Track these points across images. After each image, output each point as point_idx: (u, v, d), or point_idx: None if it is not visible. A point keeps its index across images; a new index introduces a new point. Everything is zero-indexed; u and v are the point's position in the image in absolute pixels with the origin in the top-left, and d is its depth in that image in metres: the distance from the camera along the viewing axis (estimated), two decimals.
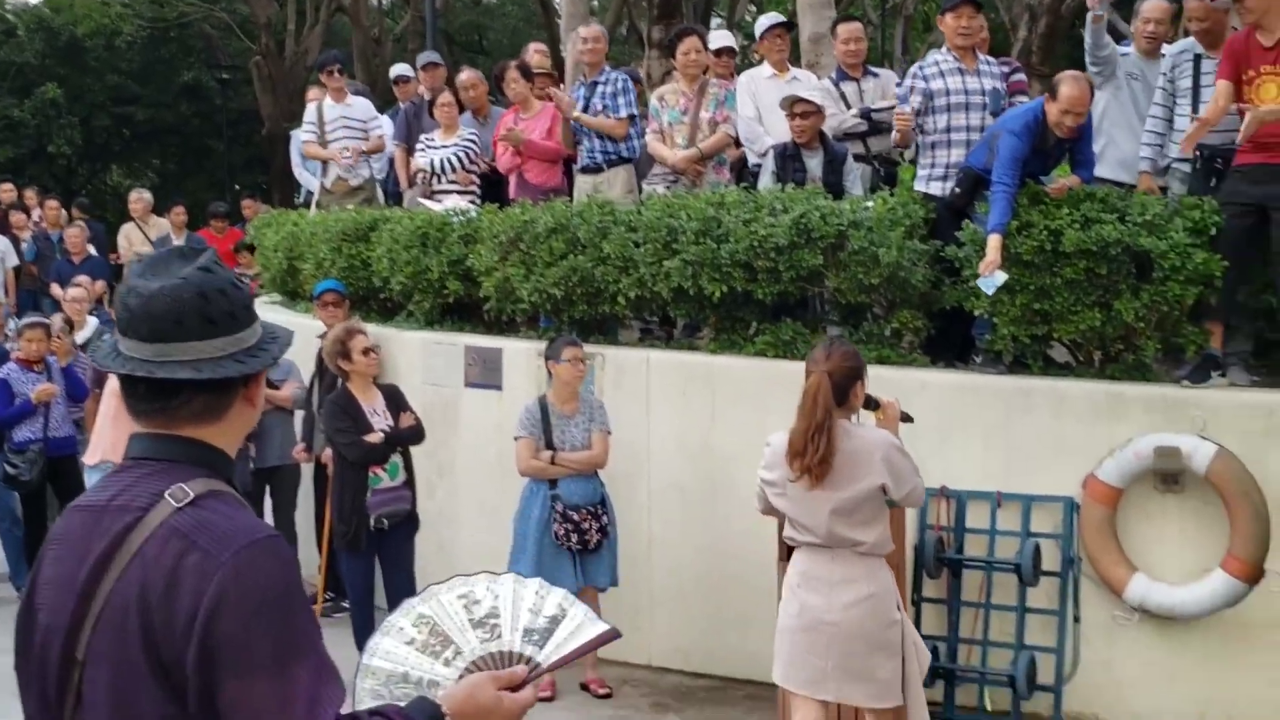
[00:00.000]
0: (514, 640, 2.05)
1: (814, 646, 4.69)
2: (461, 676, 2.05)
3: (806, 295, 7.51)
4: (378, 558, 7.04)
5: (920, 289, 7.04)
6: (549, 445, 6.74)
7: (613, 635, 2.13)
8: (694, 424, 7.37)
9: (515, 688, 2.04)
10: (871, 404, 5.07)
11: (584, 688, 6.98)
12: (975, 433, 6.65)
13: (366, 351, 6.97)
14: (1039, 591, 6.52)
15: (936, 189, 7.26)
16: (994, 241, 6.49)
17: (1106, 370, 6.78)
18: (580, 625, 2.10)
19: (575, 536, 6.68)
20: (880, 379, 6.67)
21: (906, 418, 5.30)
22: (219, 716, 1.90)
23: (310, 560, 8.91)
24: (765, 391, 7.15)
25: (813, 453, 4.58)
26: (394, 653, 2.03)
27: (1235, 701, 6.33)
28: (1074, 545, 6.44)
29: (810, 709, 4.78)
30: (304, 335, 9.16)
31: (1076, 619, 6.47)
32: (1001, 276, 6.33)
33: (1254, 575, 6.17)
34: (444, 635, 2.05)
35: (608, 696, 6.88)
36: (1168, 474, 6.33)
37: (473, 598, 2.09)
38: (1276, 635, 6.27)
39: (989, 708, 6.37)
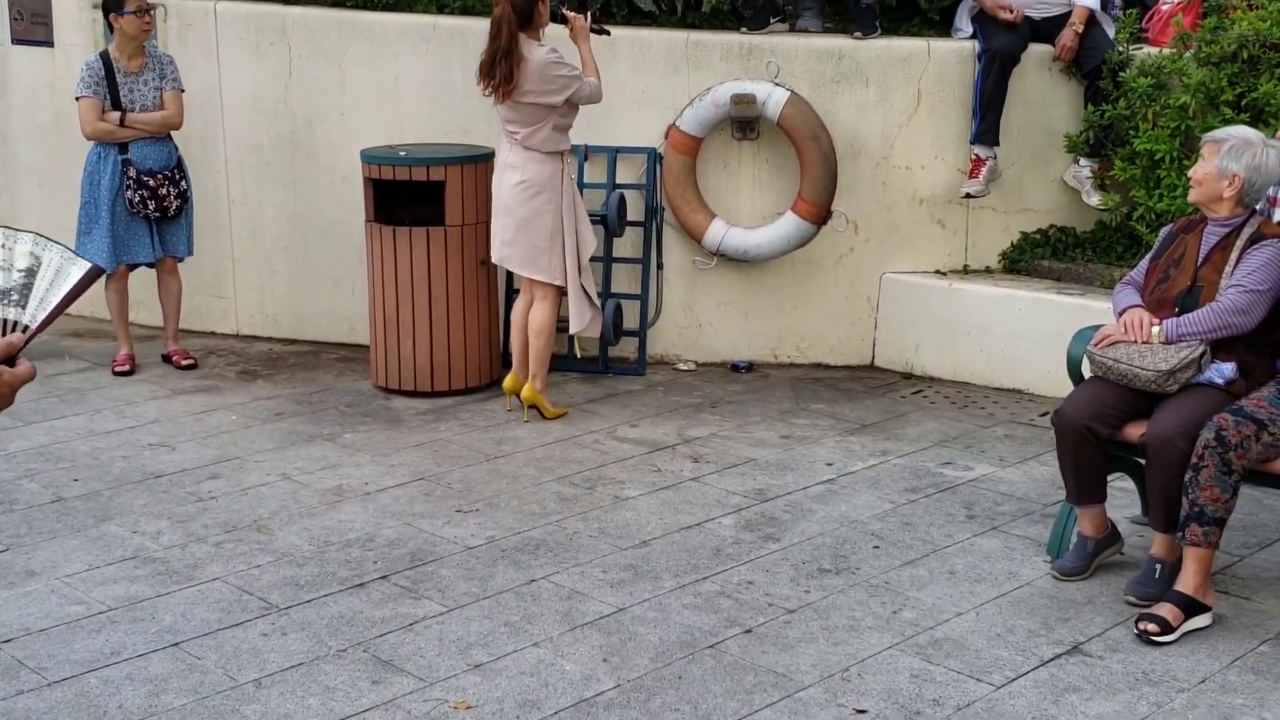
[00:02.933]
0: None
1: (495, 219, 5.67)
2: None
3: None
4: None
5: None
6: (116, 105, 6.30)
7: (97, 272, 1.89)
8: (269, 80, 7.02)
9: (12, 359, 1.85)
10: (559, 18, 5.61)
11: (166, 360, 6.76)
12: None
13: None
14: (624, 241, 6.68)
15: None
16: None
17: (688, 19, 6.78)
18: (60, 270, 1.82)
19: (153, 204, 6.36)
20: (443, 29, 6.67)
21: (600, 30, 5.78)
22: None
23: None
24: (344, 44, 6.89)
25: (499, 75, 5.41)
26: None
27: (803, 334, 6.81)
28: (657, 195, 6.60)
29: (524, 284, 5.79)
30: None
31: (660, 266, 6.70)
32: None
33: (821, 216, 6.46)
34: None
35: (192, 367, 6.69)
36: (744, 121, 6.49)
37: None
38: (839, 272, 6.73)
39: (578, 355, 6.51)
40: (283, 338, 7.23)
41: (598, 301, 5.94)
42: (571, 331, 5.97)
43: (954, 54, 6.48)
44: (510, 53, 5.40)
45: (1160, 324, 4.17)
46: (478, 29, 6.46)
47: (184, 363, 6.70)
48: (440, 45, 6.72)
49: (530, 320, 5.78)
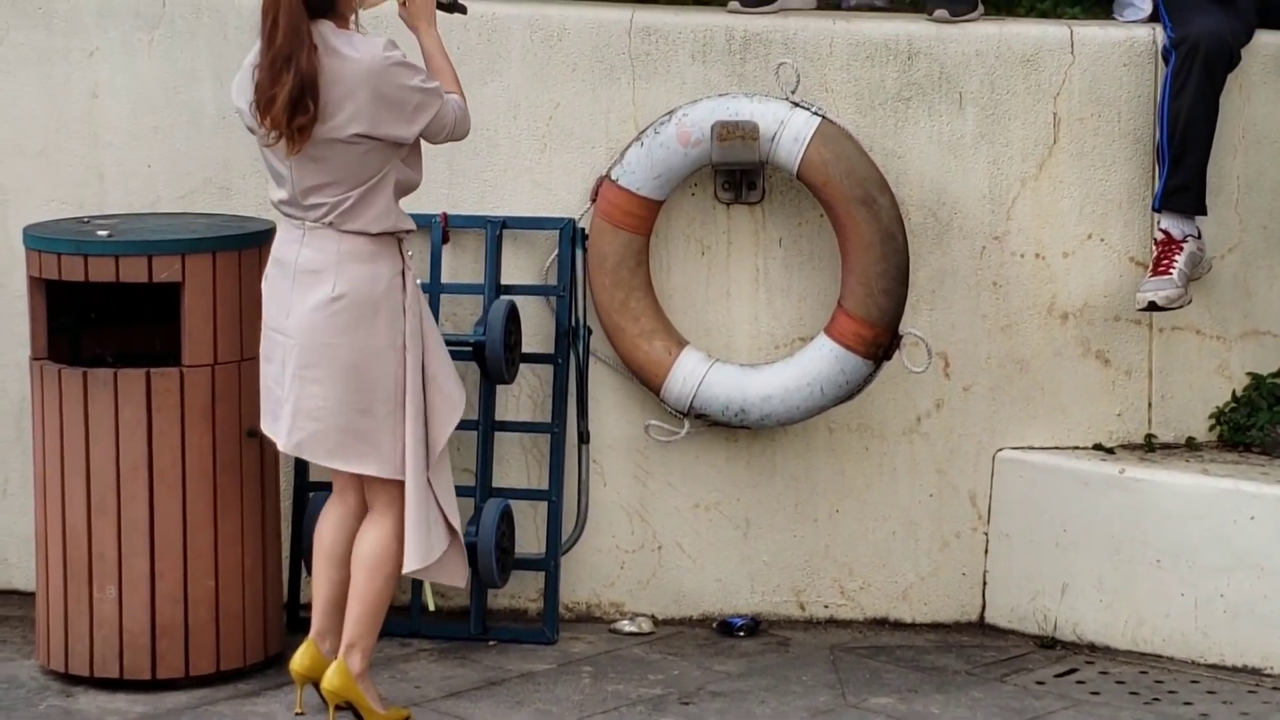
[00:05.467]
0: None
1: (273, 362, 5.61)
2: None
3: None
4: None
5: None
6: None
7: None
8: None
9: None
10: None
11: None
12: None
13: None
14: (516, 391, 6.60)
15: None
16: None
17: None
18: None
19: None
20: (182, 4, 6.60)
21: (454, 5, 5.82)
22: None
23: None
24: None
25: (286, 102, 5.24)
26: None
27: (852, 565, 6.64)
28: (578, 305, 6.53)
29: (339, 480, 5.74)
30: None
31: (584, 437, 6.59)
32: None
33: (881, 344, 6.33)
34: None
35: None
36: (738, 170, 6.43)
37: None
38: (916, 448, 6.59)
39: (431, 606, 6.39)
40: None
41: (457, 518, 5.80)
42: (406, 569, 5.75)
43: (1118, 49, 6.42)
44: (292, 60, 5.29)
45: None
46: (247, 4, 6.26)
47: None
48: (175, 32, 6.62)
49: (359, 547, 5.71)
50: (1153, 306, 6.21)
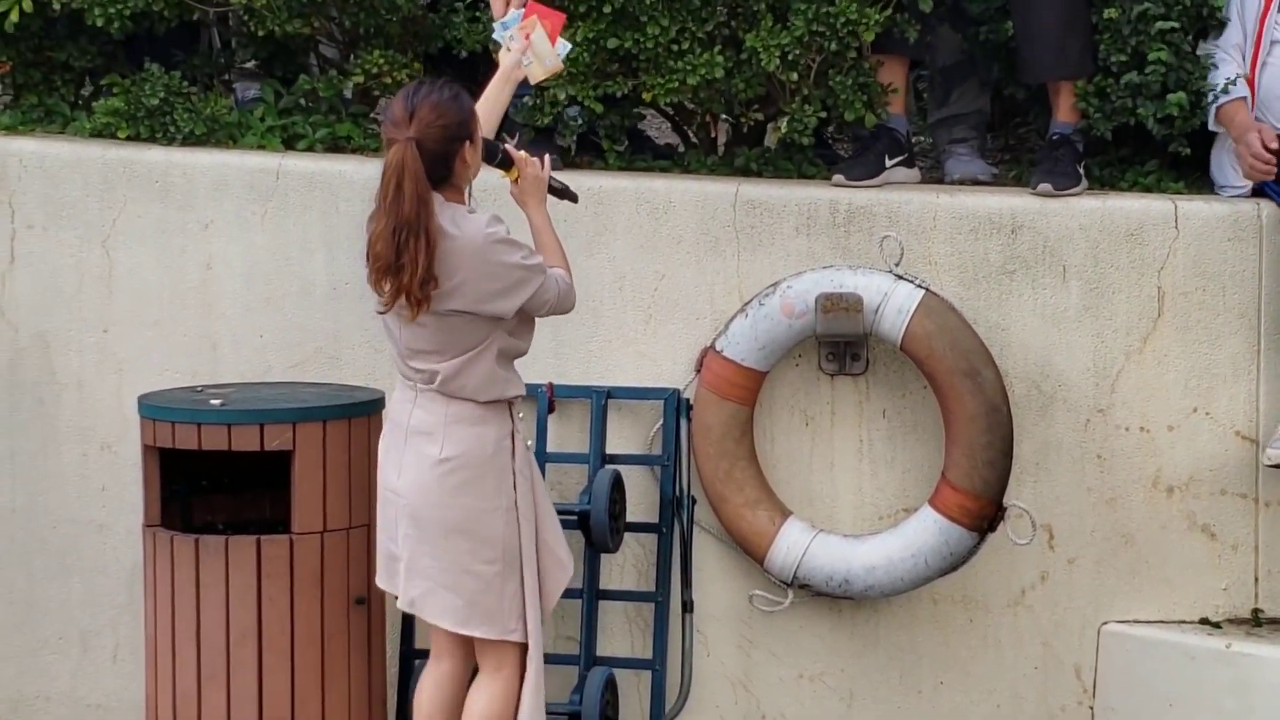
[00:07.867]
0: None
1: (386, 525, 5.66)
2: None
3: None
4: None
5: (406, 11, 6.79)
6: None
7: None
8: None
9: None
10: (501, 160, 5.61)
11: None
12: None
13: None
14: (620, 560, 6.59)
15: None
16: None
17: (735, 158, 6.75)
18: None
19: None
20: (294, 176, 6.71)
21: (565, 192, 5.84)
22: None
23: None
24: (111, 203, 6.78)
25: (409, 271, 5.23)
26: None
27: None
28: (682, 475, 6.51)
29: (439, 643, 5.70)
30: None
31: (688, 606, 6.56)
32: (566, 46, 6.03)
33: (985, 516, 6.31)
34: None
35: None
36: (841, 342, 6.42)
37: None
38: (1021, 620, 6.53)
39: None
40: None
41: (541, 688, 5.71)
42: None
43: (1223, 223, 6.41)
44: (421, 227, 5.28)
45: None
46: (358, 177, 6.40)
47: None
48: (288, 205, 6.71)
49: (469, 708, 5.68)
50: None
